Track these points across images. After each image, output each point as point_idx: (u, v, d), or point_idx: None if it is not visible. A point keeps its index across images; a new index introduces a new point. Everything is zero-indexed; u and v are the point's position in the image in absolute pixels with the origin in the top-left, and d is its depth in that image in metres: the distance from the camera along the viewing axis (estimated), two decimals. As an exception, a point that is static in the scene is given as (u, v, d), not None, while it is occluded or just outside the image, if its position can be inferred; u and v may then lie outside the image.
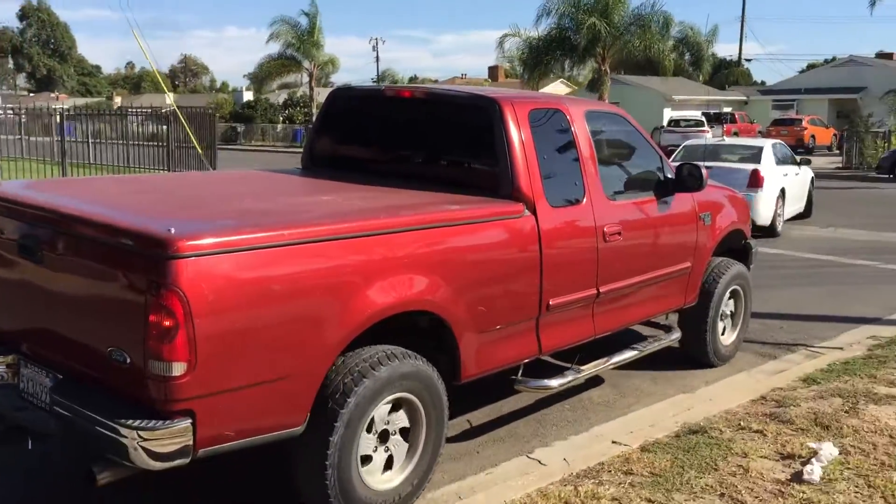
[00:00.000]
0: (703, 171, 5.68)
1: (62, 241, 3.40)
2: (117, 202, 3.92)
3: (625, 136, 5.72)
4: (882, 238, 13.35)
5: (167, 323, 2.95)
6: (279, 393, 3.34)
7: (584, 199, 4.87)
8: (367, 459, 3.79)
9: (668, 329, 6.16)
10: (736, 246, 6.72)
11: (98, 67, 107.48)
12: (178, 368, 2.98)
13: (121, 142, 17.71)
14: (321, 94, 51.38)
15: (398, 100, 5.29)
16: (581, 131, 5.00)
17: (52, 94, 71.82)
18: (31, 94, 74.50)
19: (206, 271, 3.03)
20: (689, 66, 39.96)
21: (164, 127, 16.92)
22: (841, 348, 6.74)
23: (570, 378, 4.96)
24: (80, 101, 60.87)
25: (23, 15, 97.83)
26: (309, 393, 3.46)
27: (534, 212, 4.47)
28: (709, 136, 34.73)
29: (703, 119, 36.74)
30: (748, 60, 66.52)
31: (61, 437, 3.42)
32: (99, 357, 3.21)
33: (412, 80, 70.82)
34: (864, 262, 11.06)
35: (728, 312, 6.57)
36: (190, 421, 3.06)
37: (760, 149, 14.20)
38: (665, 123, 37.61)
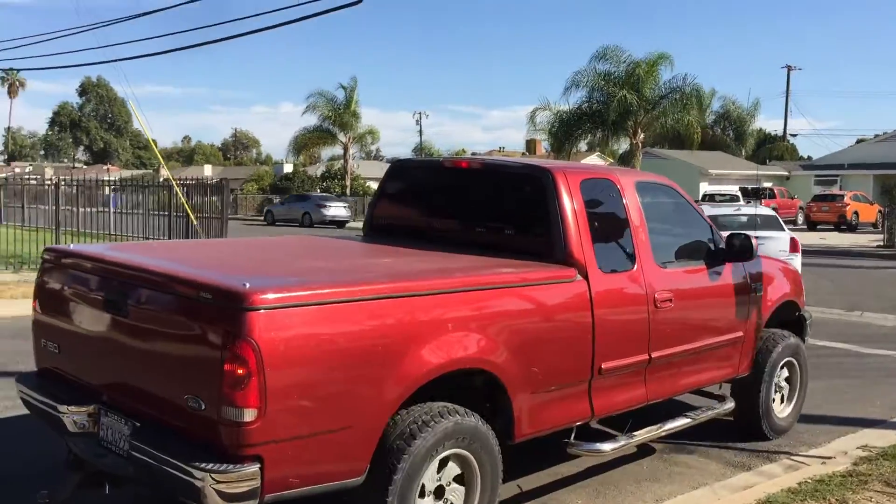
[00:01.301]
0: (754, 242, 5.79)
1: (146, 296, 3.67)
2: (196, 261, 4.21)
3: (674, 206, 5.88)
4: (912, 324, 12.30)
5: (241, 371, 3.16)
6: (341, 443, 3.50)
7: (635, 266, 5.01)
8: None
9: (721, 399, 6.16)
10: (790, 318, 6.74)
11: (154, 141, 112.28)
12: (250, 415, 3.18)
13: (127, 211, 18.32)
14: (361, 167, 52.30)
15: (455, 170, 5.56)
16: (631, 201, 5.18)
17: (105, 167, 74.82)
18: (85, 167, 77.60)
19: (278, 323, 3.25)
20: (731, 140, 39.37)
21: (160, 197, 17.37)
22: (826, 460, 5.84)
23: (622, 443, 5.01)
24: (132, 173, 63.09)
25: (82, 90, 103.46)
26: (369, 444, 3.61)
27: (585, 277, 4.63)
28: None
29: (739, 194, 35.87)
30: (794, 135, 65.34)
31: (136, 481, 3.61)
32: (176, 404, 3.42)
33: (458, 153, 73.04)
34: (884, 351, 10.01)
35: (782, 385, 6.55)
36: (258, 465, 3.23)
37: (774, 217, 14.66)
38: (700, 198, 36.96)
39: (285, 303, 3.30)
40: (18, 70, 73.73)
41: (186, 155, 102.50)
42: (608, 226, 5.02)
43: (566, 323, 4.51)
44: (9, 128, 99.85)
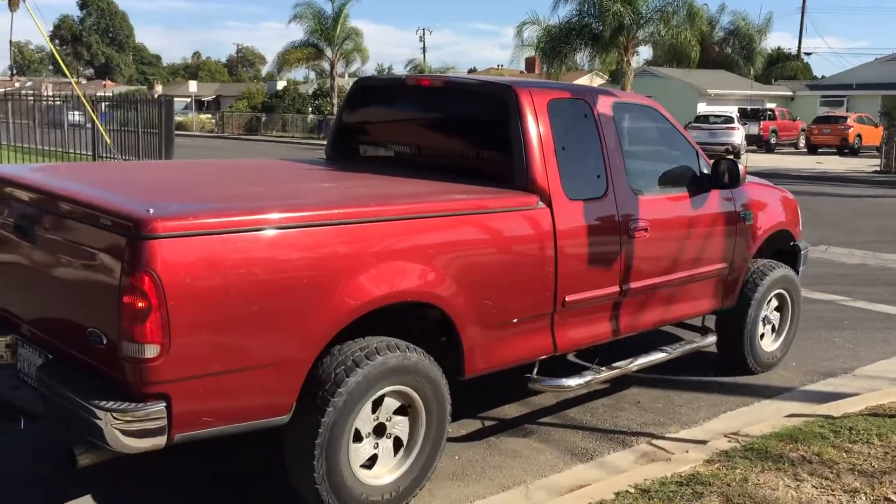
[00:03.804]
0: (741, 168, 5.42)
1: (51, 221, 3.42)
2: (112, 185, 3.92)
3: (656, 129, 5.50)
4: (876, 262, 10.83)
5: (140, 304, 2.91)
6: (261, 380, 3.27)
7: (607, 193, 4.67)
8: (359, 454, 3.69)
9: (704, 331, 5.90)
10: (784, 248, 6.42)
11: (158, 56, 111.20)
12: (151, 351, 2.94)
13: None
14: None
15: (418, 89, 5.20)
16: (606, 123, 4.81)
17: (103, 83, 73.84)
18: (84, 82, 76.52)
19: (183, 253, 2.99)
20: (740, 58, 36.80)
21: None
22: (685, 449, 4.62)
23: (588, 378, 4.78)
24: (125, 88, 61.64)
25: (83, 4, 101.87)
26: (294, 381, 3.38)
27: (549, 204, 4.31)
28: (739, 135, 32.48)
29: (734, 115, 33.85)
30: (808, 54, 60.64)
31: (48, 417, 3.42)
32: (81, 338, 3.20)
33: (472, 71, 70.82)
34: (829, 296, 8.62)
35: (772, 317, 6.26)
36: (164, 404, 3.02)
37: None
38: (693, 119, 34.58)
39: (192, 230, 3.02)
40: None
41: (192, 71, 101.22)
42: (578, 150, 4.65)
43: (525, 253, 4.21)
44: (11, 41, 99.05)
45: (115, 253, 3.01)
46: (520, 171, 4.35)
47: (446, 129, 5.04)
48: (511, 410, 5.15)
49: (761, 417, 5.18)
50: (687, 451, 4.57)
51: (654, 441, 4.80)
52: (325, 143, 5.86)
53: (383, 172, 4.76)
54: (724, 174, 5.35)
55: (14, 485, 3.99)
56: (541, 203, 4.29)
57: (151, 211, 2.99)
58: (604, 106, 4.87)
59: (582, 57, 32.56)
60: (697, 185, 5.38)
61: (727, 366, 6.13)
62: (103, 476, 3.99)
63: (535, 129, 4.38)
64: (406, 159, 5.15)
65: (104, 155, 16.33)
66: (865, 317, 7.94)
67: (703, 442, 4.69)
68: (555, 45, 31.18)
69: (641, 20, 29.88)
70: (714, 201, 5.46)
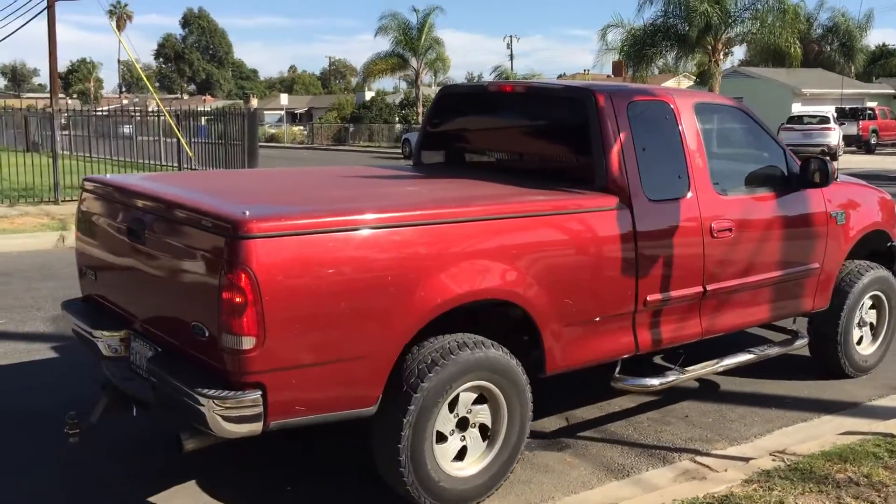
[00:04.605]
0: (831, 167, 5.33)
1: (159, 225, 3.71)
2: (212, 190, 4.21)
3: (741, 129, 5.47)
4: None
5: (238, 300, 3.15)
6: (349, 373, 3.47)
7: (689, 194, 4.69)
8: (444, 446, 3.84)
9: (794, 334, 5.80)
10: (880, 249, 6.24)
11: (255, 71, 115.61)
12: (248, 343, 3.17)
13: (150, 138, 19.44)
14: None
15: (501, 95, 5.35)
16: (688, 124, 4.83)
17: (203, 98, 76.77)
18: (185, 98, 79.75)
19: (277, 252, 3.21)
20: (840, 56, 34.95)
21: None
22: (726, 467, 4.34)
23: (671, 378, 4.79)
24: (224, 103, 63.83)
25: (185, 22, 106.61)
26: (380, 375, 3.56)
27: (629, 205, 4.37)
28: (835, 135, 31.01)
29: (831, 115, 32.16)
30: None
31: (158, 405, 3.71)
32: (186, 332, 3.47)
33: (561, 76, 70.73)
34: None
35: (868, 321, 6.10)
36: (260, 393, 3.24)
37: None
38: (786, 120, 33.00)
39: (285, 231, 3.25)
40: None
41: (287, 85, 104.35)
42: (659, 151, 4.69)
43: (604, 253, 4.28)
44: (119, 60, 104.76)
45: (215, 252, 3.27)
46: (599, 173, 4.43)
47: (529, 133, 5.17)
48: (549, 423, 5.05)
49: (818, 434, 4.83)
50: (726, 470, 4.29)
51: (698, 458, 4.53)
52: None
53: (468, 176, 4.92)
54: (815, 173, 5.27)
55: (126, 472, 4.33)
56: (621, 204, 4.36)
57: (247, 213, 3.23)
58: (685, 107, 4.89)
59: (668, 59, 31.96)
60: (785, 184, 5.32)
61: (820, 370, 6.00)
62: (206, 462, 4.28)
63: (615, 131, 4.45)
64: (490, 163, 5.31)
65: (187, 166, 17.18)
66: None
67: (747, 460, 4.40)
68: (639, 48, 30.74)
69: (730, 20, 29.15)
70: (803, 201, 5.39)
